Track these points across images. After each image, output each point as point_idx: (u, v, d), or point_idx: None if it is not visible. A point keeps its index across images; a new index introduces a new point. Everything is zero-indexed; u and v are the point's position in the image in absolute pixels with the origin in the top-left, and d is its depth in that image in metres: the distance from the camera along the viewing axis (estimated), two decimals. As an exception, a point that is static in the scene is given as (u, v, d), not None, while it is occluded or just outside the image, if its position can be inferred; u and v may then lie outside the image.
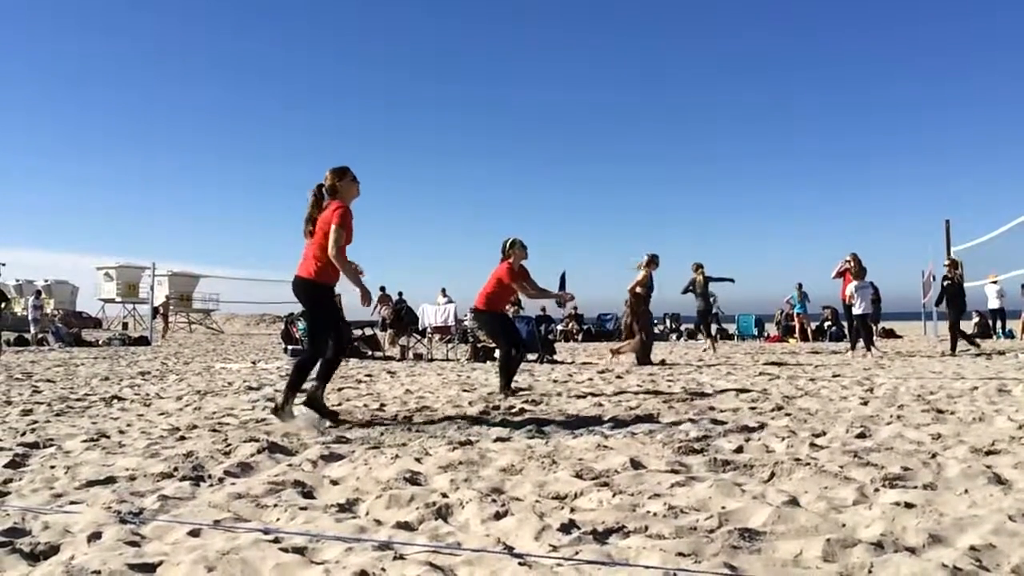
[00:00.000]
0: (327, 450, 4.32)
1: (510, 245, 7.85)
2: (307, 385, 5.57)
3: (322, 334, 5.55)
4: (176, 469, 3.88)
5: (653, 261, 12.08)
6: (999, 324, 21.62)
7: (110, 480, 3.70)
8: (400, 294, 22.53)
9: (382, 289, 23.31)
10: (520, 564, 2.38)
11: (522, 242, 7.91)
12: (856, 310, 13.49)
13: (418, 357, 14.32)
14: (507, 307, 8.04)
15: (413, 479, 3.63)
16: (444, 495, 3.28)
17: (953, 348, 13.94)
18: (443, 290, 22.77)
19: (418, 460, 4.08)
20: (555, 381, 8.98)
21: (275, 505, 3.17)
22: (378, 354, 14.86)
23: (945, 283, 14.11)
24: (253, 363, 13.28)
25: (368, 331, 15.93)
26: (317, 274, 5.38)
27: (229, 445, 4.56)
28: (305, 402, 5.49)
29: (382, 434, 5.03)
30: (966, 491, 3.24)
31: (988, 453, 4.06)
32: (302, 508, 3.12)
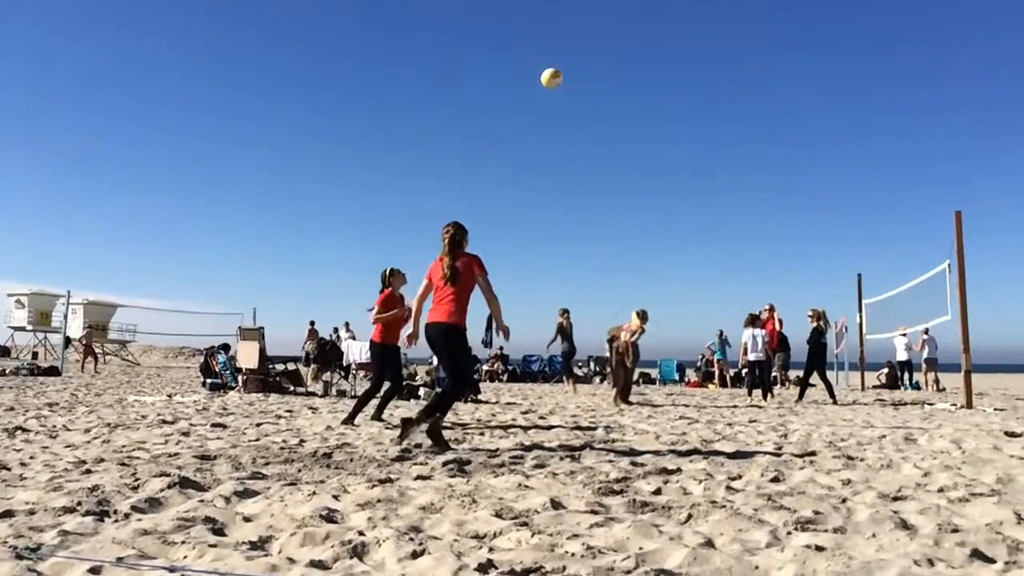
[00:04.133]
0: (241, 486, 4.20)
1: (389, 274, 8.49)
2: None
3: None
4: (79, 503, 3.72)
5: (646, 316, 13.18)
6: (907, 375, 22.44)
7: (8, 514, 3.52)
8: (347, 325, 22.19)
9: (311, 323, 22.94)
10: (435, 604, 2.35)
11: (399, 270, 8.68)
12: (749, 356, 14.10)
13: (341, 394, 14.09)
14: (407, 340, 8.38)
15: (329, 517, 3.56)
16: (361, 533, 3.23)
17: (801, 395, 14.24)
18: (346, 324, 22.41)
19: (336, 497, 4.01)
20: (479, 420, 8.94)
21: (183, 542, 3.07)
22: (300, 389, 14.58)
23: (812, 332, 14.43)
24: (169, 396, 12.87)
25: (291, 365, 15.64)
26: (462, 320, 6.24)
27: (138, 479, 4.40)
28: (428, 431, 6.04)
29: (300, 471, 4.93)
30: (874, 535, 3.33)
31: (895, 499, 4.19)
32: (211, 545, 3.02)
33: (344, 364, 14.90)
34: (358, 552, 2.97)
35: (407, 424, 6.21)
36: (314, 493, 4.10)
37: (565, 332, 16.55)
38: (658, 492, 4.35)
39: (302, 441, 6.59)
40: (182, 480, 4.31)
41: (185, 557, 2.89)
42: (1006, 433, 7.72)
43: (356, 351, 14.44)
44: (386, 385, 8.62)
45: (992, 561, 2.92)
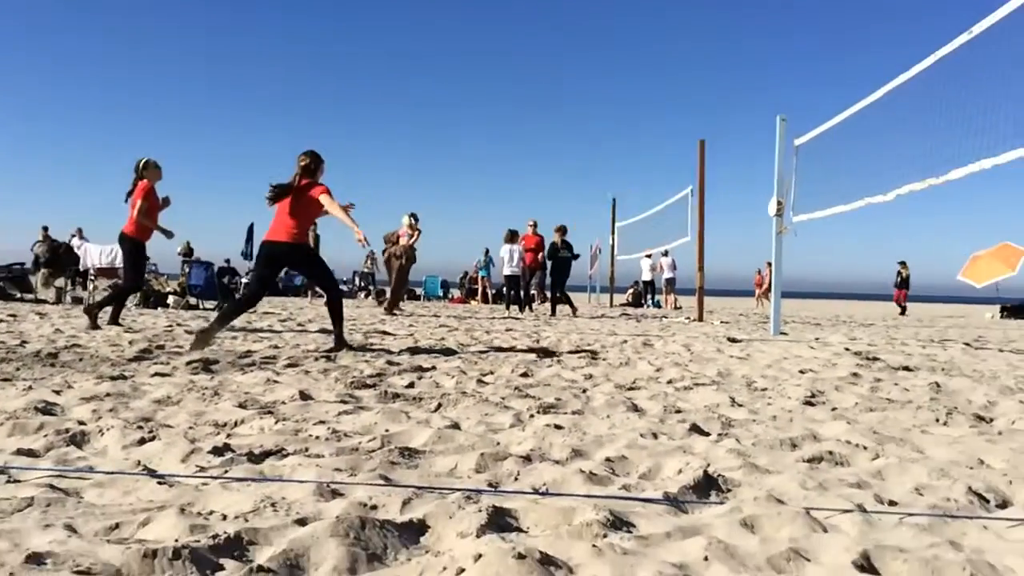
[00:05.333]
0: (-59, 382, 3.71)
1: (143, 166, 7.71)
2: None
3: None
4: None
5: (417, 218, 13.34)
6: (650, 295, 24.29)
7: None
8: (80, 232, 19.96)
9: (44, 228, 20.62)
10: (159, 484, 2.20)
11: (156, 162, 7.87)
12: (505, 271, 14.59)
13: (77, 301, 12.91)
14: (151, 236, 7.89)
15: (47, 409, 3.23)
16: (82, 423, 2.96)
17: (554, 310, 14.39)
18: (79, 230, 20.40)
19: (57, 392, 3.65)
20: (231, 327, 8.53)
21: None
22: (28, 296, 13.18)
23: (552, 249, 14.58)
24: None
25: (17, 268, 14.04)
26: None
27: None
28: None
29: (18, 369, 4.44)
30: (608, 416, 3.55)
31: (629, 389, 4.50)
32: None
33: (81, 269, 13.60)
34: (76, 441, 2.71)
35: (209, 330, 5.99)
36: (31, 388, 3.71)
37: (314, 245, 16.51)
38: (411, 386, 4.36)
39: (24, 342, 5.96)
40: None
41: None
42: (729, 339, 8.56)
43: (95, 255, 13.20)
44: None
45: (707, 434, 3.20)
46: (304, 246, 6.23)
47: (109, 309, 7.91)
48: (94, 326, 7.44)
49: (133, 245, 7.79)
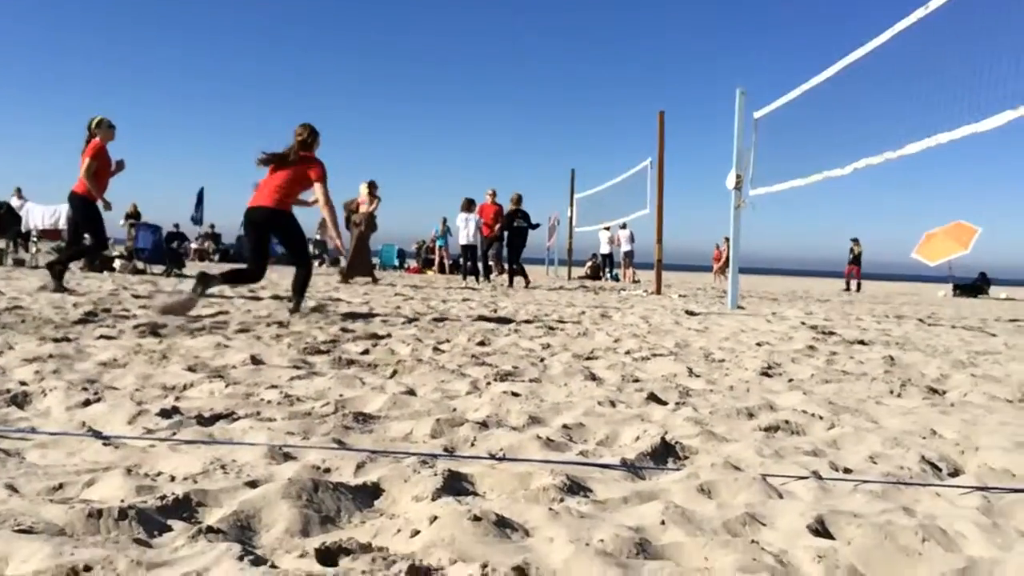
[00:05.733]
0: None
1: (96, 124, 7.45)
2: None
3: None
4: None
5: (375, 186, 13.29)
6: (608, 268, 24.39)
7: None
8: (19, 191, 19.16)
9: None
10: (104, 445, 2.12)
11: (109, 121, 7.63)
12: (461, 240, 14.53)
13: (19, 264, 12.55)
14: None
15: (-14, 371, 3.11)
16: (23, 383, 2.85)
17: (511, 281, 14.22)
18: (18, 190, 19.60)
19: (-3, 354, 3.52)
20: (181, 292, 8.35)
21: None
22: (-31, 259, 12.78)
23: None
24: None
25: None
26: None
27: None
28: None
29: (-44, 331, 4.28)
30: (565, 384, 3.53)
31: (587, 359, 4.48)
32: None
33: (23, 231, 13.20)
34: (18, 402, 2.61)
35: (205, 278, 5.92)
36: (-31, 349, 3.57)
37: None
38: (366, 352, 4.30)
39: (-36, 304, 5.75)
40: None
41: None
42: (686, 311, 8.61)
43: (37, 216, 12.82)
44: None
45: (665, 403, 3.20)
46: (286, 213, 6.08)
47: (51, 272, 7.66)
48: (59, 287, 7.28)
49: (84, 204, 7.53)
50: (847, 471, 2.23)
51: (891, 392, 3.61)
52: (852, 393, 3.56)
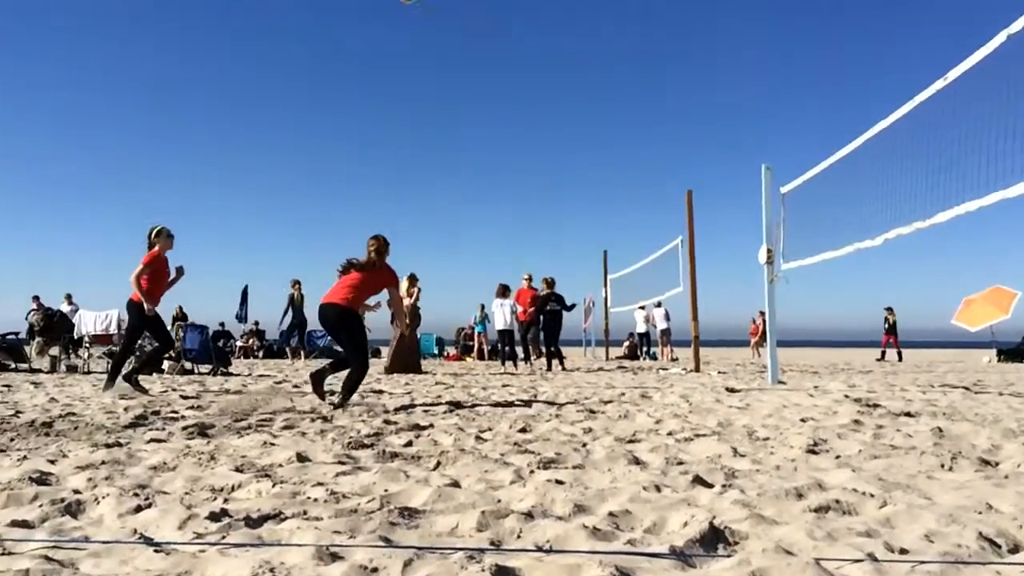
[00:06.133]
0: (-67, 454, 3.66)
1: (155, 234, 7.73)
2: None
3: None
4: None
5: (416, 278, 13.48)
6: (645, 346, 24.23)
7: None
8: (69, 297, 19.76)
9: (35, 298, 20.46)
10: (156, 552, 2.16)
11: (169, 231, 7.83)
12: (498, 326, 14.59)
13: (72, 369, 12.81)
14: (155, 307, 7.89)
15: (41, 480, 3.18)
16: (77, 492, 2.91)
17: (549, 365, 14.29)
18: (68, 296, 20.18)
19: (52, 462, 3.60)
20: (227, 391, 8.49)
21: None
22: (23, 366, 13.08)
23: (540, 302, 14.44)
24: None
25: (11, 338, 13.94)
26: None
27: None
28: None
29: (12, 440, 4.39)
30: (609, 470, 3.51)
31: (630, 441, 4.46)
32: None
33: (76, 337, 13.53)
34: (72, 510, 2.67)
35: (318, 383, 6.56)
36: (25, 458, 3.66)
37: (295, 304, 16.42)
38: (409, 444, 4.32)
39: (18, 412, 5.89)
40: None
41: None
42: (727, 389, 8.52)
43: (90, 322, 13.16)
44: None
45: (711, 486, 3.16)
46: (354, 313, 6.53)
47: (106, 375, 7.85)
48: (140, 389, 7.58)
49: (141, 310, 7.74)
50: (903, 552, 2.19)
51: (942, 466, 3.54)
52: (902, 468, 3.50)
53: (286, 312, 16.85)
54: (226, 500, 2.86)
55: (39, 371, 12.61)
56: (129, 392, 7.55)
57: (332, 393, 6.65)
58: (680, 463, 3.69)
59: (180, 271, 8.04)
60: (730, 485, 3.16)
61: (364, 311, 6.92)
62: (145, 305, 7.71)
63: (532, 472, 3.43)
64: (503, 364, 15.06)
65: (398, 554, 2.12)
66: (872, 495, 2.88)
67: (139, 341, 8.48)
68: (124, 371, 7.93)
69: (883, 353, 22.75)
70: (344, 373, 6.60)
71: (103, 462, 3.58)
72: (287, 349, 18.90)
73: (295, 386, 9.22)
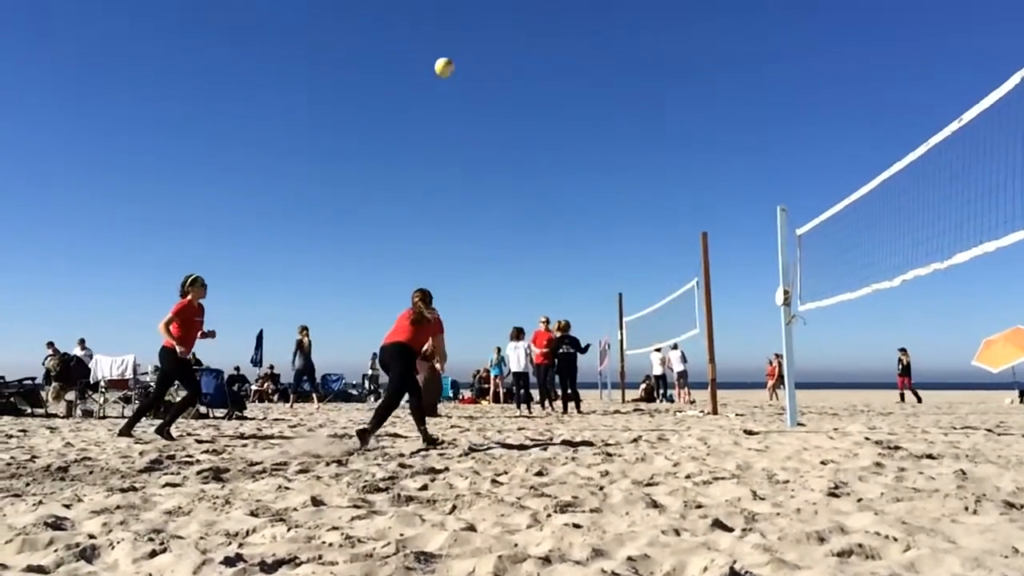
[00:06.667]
0: (-50, 499, 3.66)
1: (189, 283, 7.85)
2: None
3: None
4: None
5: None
6: (662, 388, 24.04)
7: None
8: (82, 342, 19.87)
9: (49, 344, 20.60)
10: (172, 596, 2.14)
11: (203, 280, 8.09)
12: (513, 368, 14.58)
13: (87, 414, 12.85)
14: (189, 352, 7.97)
15: (56, 524, 3.18)
16: (92, 536, 2.90)
17: (565, 407, 14.28)
18: (81, 341, 20.26)
19: (67, 507, 3.59)
20: (242, 435, 8.48)
21: None
22: (39, 411, 13.12)
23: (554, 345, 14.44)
24: None
25: (28, 383, 14.02)
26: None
27: None
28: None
29: (28, 484, 4.39)
30: (627, 513, 3.47)
31: (647, 484, 4.41)
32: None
33: (92, 382, 13.58)
34: (87, 555, 2.66)
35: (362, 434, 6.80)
36: (41, 503, 3.66)
37: (304, 349, 16.58)
38: (424, 488, 4.29)
39: (34, 457, 5.90)
40: None
41: None
42: (745, 431, 8.43)
43: (106, 366, 13.21)
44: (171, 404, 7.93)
45: (731, 530, 3.12)
46: (414, 350, 7.15)
47: (123, 420, 7.87)
48: (169, 437, 7.60)
49: (172, 357, 7.82)
50: (928, 596, 2.14)
51: (966, 508, 3.47)
52: (925, 511, 3.44)
53: (295, 357, 16.88)
54: (241, 545, 2.84)
55: (55, 416, 12.65)
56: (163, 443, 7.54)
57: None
58: (699, 506, 3.65)
59: (211, 334, 8.19)
60: (750, 529, 3.11)
61: (421, 353, 7.41)
62: (178, 348, 7.76)
63: (549, 516, 3.40)
64: (518, 407, 14.99)
65: (414, 599, 2.09)
66: (895, 539, 2.83)
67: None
68: (154, 423, 7.97)
69: (902, 395, 22.49)
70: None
71: (118, 507, 3.57)
72: (291, 394, 18.84)
73: (310, 430, 9.19)
